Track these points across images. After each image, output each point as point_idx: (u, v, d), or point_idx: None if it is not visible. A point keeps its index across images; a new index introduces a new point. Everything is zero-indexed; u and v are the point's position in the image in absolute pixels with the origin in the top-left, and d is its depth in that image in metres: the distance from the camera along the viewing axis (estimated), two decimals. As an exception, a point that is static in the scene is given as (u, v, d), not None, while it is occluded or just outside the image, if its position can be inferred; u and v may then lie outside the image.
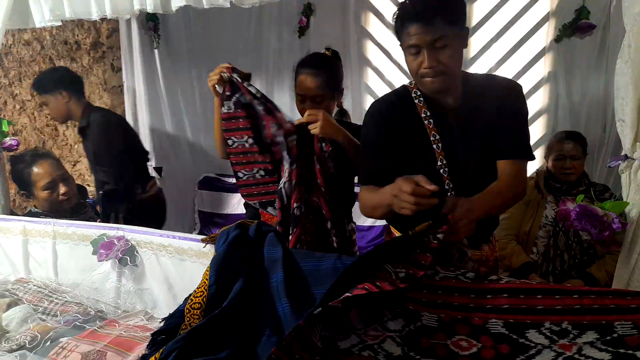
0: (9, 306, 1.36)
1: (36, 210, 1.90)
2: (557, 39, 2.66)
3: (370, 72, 3.06)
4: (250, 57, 3.14)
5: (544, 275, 2.01)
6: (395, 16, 1.27)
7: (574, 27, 2.58)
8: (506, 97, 1.30)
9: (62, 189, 1.88)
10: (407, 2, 1.25)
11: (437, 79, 1.23)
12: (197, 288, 1.16)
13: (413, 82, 1.36)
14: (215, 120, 1.60)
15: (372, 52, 3.04)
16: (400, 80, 2.82)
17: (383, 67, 3.03)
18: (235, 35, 3.12)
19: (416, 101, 1.33)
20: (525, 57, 2.79)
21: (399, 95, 1.37)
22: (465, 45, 1.27)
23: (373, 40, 3.03)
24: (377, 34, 3.00)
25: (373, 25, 3.00)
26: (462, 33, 1.25)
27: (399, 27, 1.25)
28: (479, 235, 1.37)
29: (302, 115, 1.57)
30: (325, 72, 1.60)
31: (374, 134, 1.35)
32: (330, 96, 1.63)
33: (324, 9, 3.00)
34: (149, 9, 1.69)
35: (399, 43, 1.28)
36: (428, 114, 1.31)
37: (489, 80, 1.38)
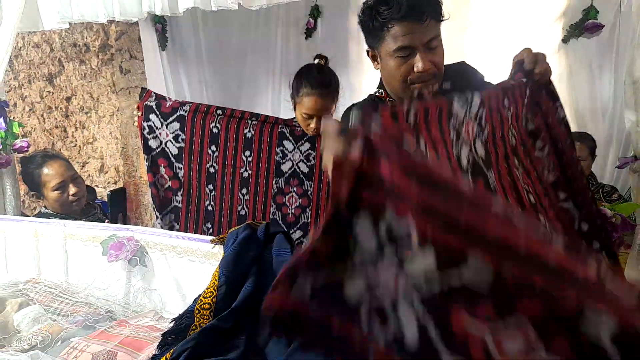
0: (21, 306, 1.37)
1: (46, 211, 1.92)
2: (565, 39, 2.65)
3: (376, 74, 3.06)
4: (257, 59, 3.16)
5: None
6: (369, 15, 1.08)
7: (582, 27, 2.57)
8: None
9: (72, 190, 1.90)
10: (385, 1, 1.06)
11: (431, 83, 1.10)
12: (207, 289, 1.17)
13: (380, 90, 1.27)
14: None
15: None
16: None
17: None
18: (242, 37, 3.13)
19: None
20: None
21: (369, 100, 1.29)
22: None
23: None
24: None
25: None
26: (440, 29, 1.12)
27: (378, 28, 1.07)
28: None
29: (305, 128, 1.80)
30: (330, 90, 1.72)
31: None
32: (333, 104, 1.77)
33: (331, 10, 3.00)
34: (157, 11, 1.71)
35: (367, 49, 1.13)
36: None
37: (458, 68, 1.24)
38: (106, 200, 2.13)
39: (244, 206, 1.93)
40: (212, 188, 1.92)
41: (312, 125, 1.76)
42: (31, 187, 1.94)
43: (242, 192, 1.92)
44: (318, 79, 1.70)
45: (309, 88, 1.70)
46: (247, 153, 1.89)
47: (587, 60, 2.68)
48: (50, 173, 1.88)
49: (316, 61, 1.82)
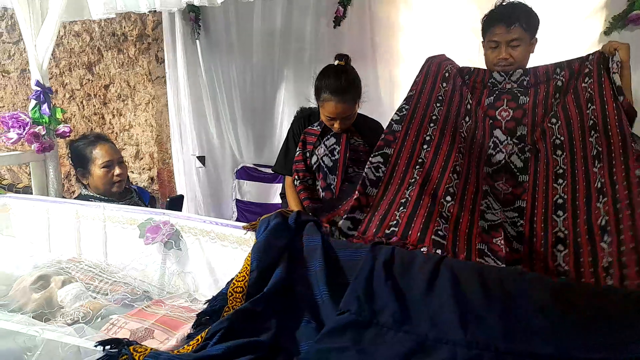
0: (64, 283, 1.44)
1: (86, 193, 2.00)
2: (607, 32, 2.56)
3: (403, 65, 3.02)
4: (286, 48, 3.16)
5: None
6: (485, 19, 1.72)
7: (625, 18, 2.47)
8: None
9: (117, 170, 2.00)
10: (496, 8, 1.69)
11: (507, 69, 1.65)
12: (239, 273, 1.20)
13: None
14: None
15: (406, 43, 3.00)
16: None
17: (417, 60, 2.98)
18: (271, 26, 3.14)
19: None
20: (573, 51, 2.69)
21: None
22: (533, 50, 1.71)
23: (409, 32, 2.99)
24: (413, 25, 2.96)
25: (409, 16, 2.96)
26: (532, 40, 1.68)
27: (487, 26, 1.69)
28: None
29: (330, 127, 1.83)
30: (352, 93, 1.74)
31: None
32: (354, 105, 1.78)
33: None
34: (196, 1, 1.74)
35: (481, 39, 1.74)
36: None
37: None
38: (142, 187, 2.24)
39: None
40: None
41: (336, 126, 1.79)
42: (79, 164, 2.02)
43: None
44: (336, 85, 1.71)
45: (328, 93, 1.72)
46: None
47: (631, 52, 2.57)
48: (100, 152, 1.99)
49: (336, 62, 1.80)
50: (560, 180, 1.36)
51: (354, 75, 1.79)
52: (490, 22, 1.67)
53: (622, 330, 0.90)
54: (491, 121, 1.61)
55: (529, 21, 1.65)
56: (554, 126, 1.47)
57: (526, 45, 1.66)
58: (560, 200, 1.32)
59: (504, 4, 1.71)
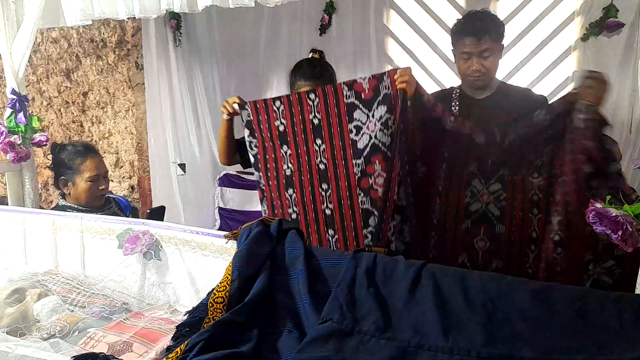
0: (40, 297, 1.41)
1: (64, 203, 1.96)
2: (584, 38, 2.61)
3: (385, 70, 3.05)
4: (270, 55, 3.16)
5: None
6: (454, 27, 1.79)
7: (602, 25, 2.53)
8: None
9: (102, 185, 1.99)
10: (464, 20, 1.76)
11: (479, 80, 1.76)
12: (220, 283, 1.18)
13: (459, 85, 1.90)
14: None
15: (393, 49, 3.03)
16: (421, 77, 2.80)
17: (404, 64, 3.01)
18: (256, 33, 3.14)
19: (452, 94, 1.87)
20: (550, 56, 2.75)
21: (445, 90, 2.01)
22: (501, 56, 1.79)
23: (394, 38, 3.02)
24: (398, 32, 2.99)
25: (394, 23, 2.99)
26: (500, 47, 1.77)
27: (457, 38, 1.76)
28: None
29: None
30: (323, 80, 1.72)
31: None
32: None
33: (346, 7, 3.00)
34: (176, 8, 1.73)
35: (451, 48, 1.82)
36: (457, 103, 1.83)
37: (517, 89, 1.93)
38: (123, 197, 2.21)
39: (328, 203, 1.69)
40: (291, 192, 1.74)
41: None
42: (62, 172, 1.98)
43: (323, 187, 1.69)
44: (309, 72, 1.74)
45: (302, 81, 1.74)
46: (319, 141, 1.66)
47: (606, 59, 2.63)
48: (90, 165, 1.97)
49: (310, 55, 1.84)
50: None
51: (327, 64, 1.82)
52: (460, 33, 1.74)
53: (602, 332, 0.91)
54: None
55: (497, 31, 1.73)
56: None
57: (496, 54, 1.75)
58: None
59: (470, 14, 1.78)
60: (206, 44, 3.14)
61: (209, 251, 1.45)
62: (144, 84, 3.21)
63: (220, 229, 3.32)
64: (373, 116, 1.57)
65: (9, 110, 2.04)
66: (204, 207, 3.39)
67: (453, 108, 1.82)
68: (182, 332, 1.12)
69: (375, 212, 1.59)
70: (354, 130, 1.61)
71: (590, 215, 1.11)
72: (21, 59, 2.01)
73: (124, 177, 3.55)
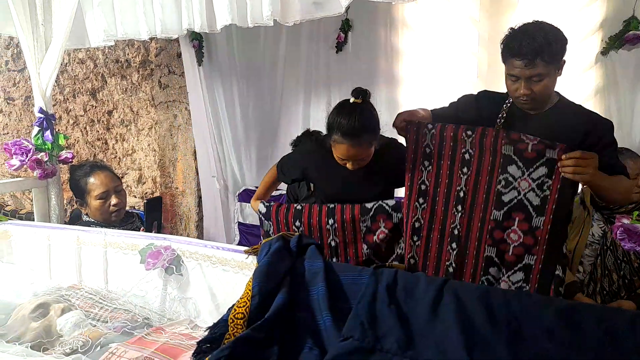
0: (63, 311, 1.43)
1: (88, 219, 2.00)
2: (604, 52, 2.58)
3: (404, 88, 3.06)
4: (289, 73, 3.21)
5: (590, 296, 1.93)
6: (502, 45, 1.50)
7: (622, 38, 2.50)
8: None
9: (113, 200, 1.98)
10: (512, 36, 1.46)
11: (528, 104, 1.52)
12: (240, 299, 1.18)
13: None
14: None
15: (406, 68, 3.04)
16: (435, 96, 2.78)
17: (417, 83, 3.02)
18: (274, 52, 3.19)
19: (504, 103, 1.63)
20: (571, 71, 2.72)
21: (499, 95, 1.67)
22: (560, 73, 1.50)
23: (408, 57, 3.03)
24: (412, 50, 3.00)
25: (408, 40, 3.00)
26: (558, 67, 1.48)
27: (505, 55, 1.49)
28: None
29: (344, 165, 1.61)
30: (363, 137, 1.52)
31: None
32: (370, 148, 1.57)
33: (362, 24, 3.03)
34: (197, 28, 1.77)
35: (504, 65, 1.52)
36: (504, 114, 1.60)
37: (578, 109, 1.60)
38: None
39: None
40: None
41: (349, 166, 1.60)
42: (76, 194, 2.02)
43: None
44: (349, 126, 1.50)
45: (339, 135, 1.52)
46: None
47: (628, 72, 2.59)
48: (95, 182, 1.97)
49: (352, 100, 1.56)
50: None
51: (370, 115, 1.56)
52: (509, 52, 1.47)
53: (632, 353, 0.88)
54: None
55: (551, 52, 1.43)
56: None
57: (551, 76, 1.47)
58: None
59: (521, 28, 1.47)
60: (226, 63, 3.21)
61: (230, 266, 1.46)
62: (167, 102, 3.29)
63: (239, 244, 3.34)
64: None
65: (36, 129, 2.11)
66: (225, 222, 3.42)
67: (499, 120, 1.58)
68: (203, 348, 1.12)
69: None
70: None
71: (618, 232, 1.09)
72: (49, 79, 2.08)
73: (146, 193, 3.61)
